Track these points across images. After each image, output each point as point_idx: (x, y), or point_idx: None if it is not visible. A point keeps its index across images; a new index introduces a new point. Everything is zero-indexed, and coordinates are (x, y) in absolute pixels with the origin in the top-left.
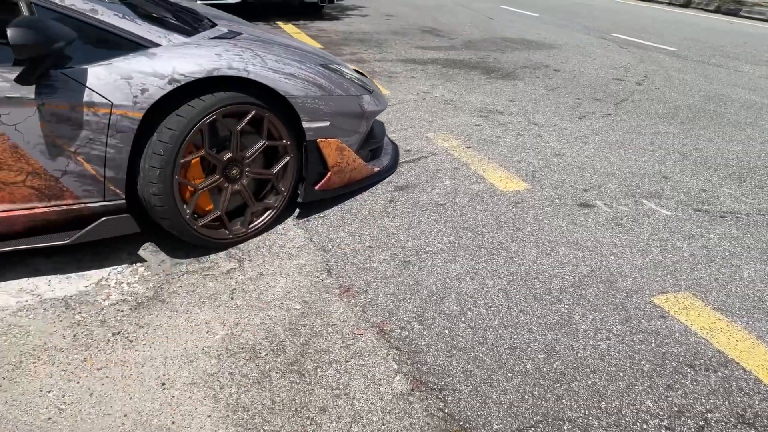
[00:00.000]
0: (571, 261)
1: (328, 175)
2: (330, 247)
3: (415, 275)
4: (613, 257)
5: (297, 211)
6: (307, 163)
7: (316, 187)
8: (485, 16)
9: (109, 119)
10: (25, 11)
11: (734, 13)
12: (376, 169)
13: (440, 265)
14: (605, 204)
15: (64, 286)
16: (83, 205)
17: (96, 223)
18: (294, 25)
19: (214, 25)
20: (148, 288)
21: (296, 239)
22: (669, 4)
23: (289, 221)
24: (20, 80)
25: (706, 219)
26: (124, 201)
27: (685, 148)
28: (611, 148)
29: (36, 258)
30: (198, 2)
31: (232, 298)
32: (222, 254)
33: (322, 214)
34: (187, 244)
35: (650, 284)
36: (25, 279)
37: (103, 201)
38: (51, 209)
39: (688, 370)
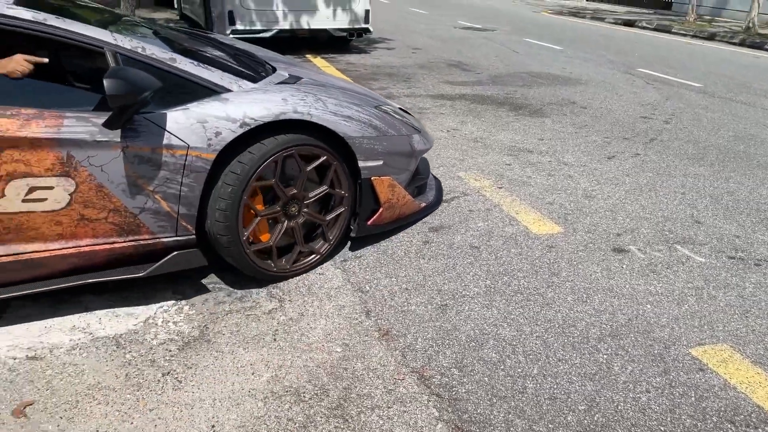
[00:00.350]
0: (608, 309)
1: (380, 210)
2: (367, 288)
3: (452, 320)
4: (649, 306)
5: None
6: (361, 200)
7: (369, 223)
8: (509, 49)
9: (185, 160)
10: (111, 61)
11: (759, 47)
12: (423, 204)
13: (477, 310)
14: (639, 249)
15: (113, 325)
16: (157, 240)
17: (169, 256)
18: (323, 58)
19: (274, 69)
20: (193, 327)
21: (334, 279)
22: (693, 36)
23: (327, 261)
24: (108, 125)
25: (740, 267)
26: (194, 236)
27: (716, 191)
28: (642, 190)
29: (86, 295)
30: (230, 35)
31: (275, 340)
32: (263, 293)
33: (358, 254)
34: (229, 283)
35: (687, 335)
36: (77, 316)
37: (176, 236)
38: (129, 244)
39: (729, 426)
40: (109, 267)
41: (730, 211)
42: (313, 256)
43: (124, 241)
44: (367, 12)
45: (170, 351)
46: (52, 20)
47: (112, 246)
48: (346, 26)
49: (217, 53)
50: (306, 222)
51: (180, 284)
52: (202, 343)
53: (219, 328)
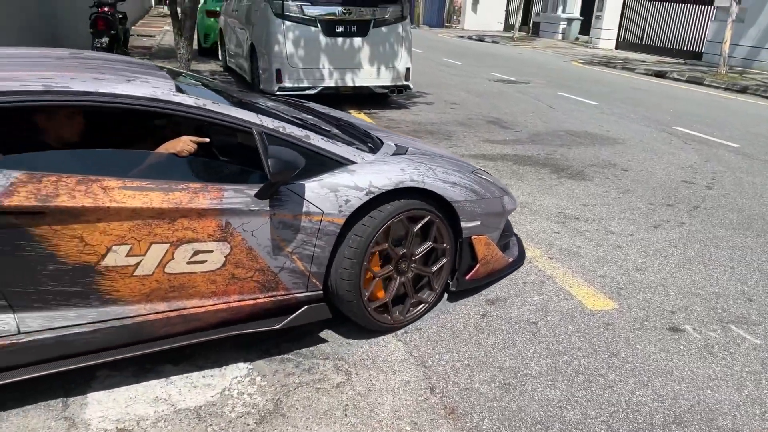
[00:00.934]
0: (669, 394)
1: (477, 267)
2: (430, 363)
3: (516, 400)
4: (709, 391)
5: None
6: (461, 257)
7: (467, 278)
8: (546, 105)
9: (320, 225)
10: (258, 140)
11: None
12: (510, 259)
13: (540, 390)
14: (694, 329)
15: (193, 396)
16: (291, 295)
17: (301, 310)
18: (366, 114)
19: (381, 141)
20: (267, 400)
21: (397, 352)
22: (725, 89)
23: (388, 334)
24: (260, 196)
25: None
26: (321, 291)
27: (765, 265)
28: (691, 263)
29: (164, 364)
30: (278, 92)
31: (345, 415)
32: (330, 366)
33: (419, 327)
34: (295, 353)
35: (750, 423)
36: (158, 386)
37: (306, 291)
38: (268, 299)
39: None
40: (250, 320)
41: None
42: (422, 305)
43: (265, 297)
44: (408, 70)
45: (248, 425)
46: (210, 105)
47: (255, 301)
48: (388, 83)
49: (332, 126)
50: (414, 275)
51: (249, 353)
52: (277, 417)
53: (292, 402)
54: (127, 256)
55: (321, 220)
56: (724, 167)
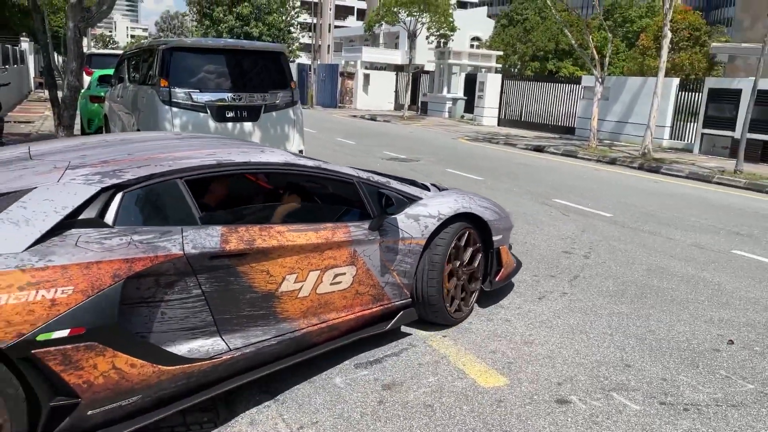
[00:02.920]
0: None
1: (502, 270)
2: None
3: None
4: None
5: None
6: (492, 264)
7: (497, 279)
8: (436, 182)
9: (410, 246)
10: (359, 189)
11: (656, 170)
12: (515, 265)
13: None
14: (580, 399)
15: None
16: (392, 304)
17: (400, 314)
18: None
19: (424, 185)
20: None
21: None
22: (597, 161)
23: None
24: (372, 228)
25: (671, 413)
26: (410, 299)
27: (640, 330)
28: (574, 332)
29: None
30: None
31: None
32: None
33: (315, 421)
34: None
35: None
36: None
37: (401, 300)
38: (378, 308)
39: None
40: (367, 326)
41: (654, 351)
42: (474, 293)
43: (376, 306)
44: (300, 152)
45: None
46: (323, 165)
47: (370, 310)
48: None
49: (393, 177)
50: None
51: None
52: None
53: None
54: (294, 282)
55: (410, 243)
56: (599, 236)
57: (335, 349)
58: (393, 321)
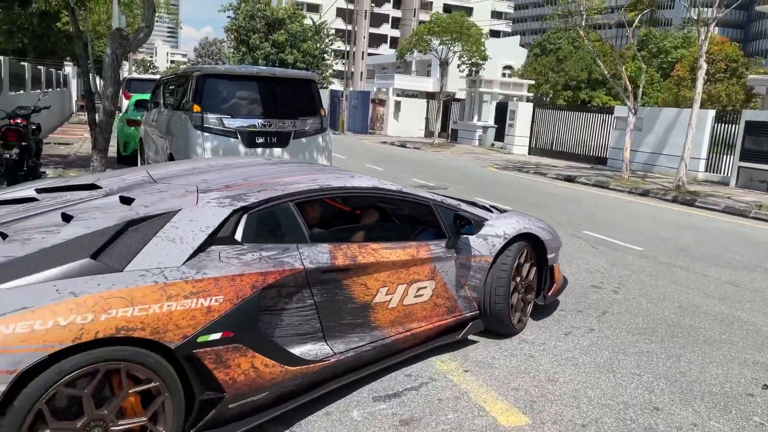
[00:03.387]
0: None
1: (555, 285)
2: None
3: None
4: None
5: None
6: (545, 280)
7: (549, 293)
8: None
9: (479, 263)
10: (435, 210)
11: (690, 203)
12: (562, 280)
13: None
14: None
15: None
16: (463, 316)
17: (470, 324)
18: None
19: (485, 206)
20: None
21: None
22: (629, 192)
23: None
24: (449, 246)
25: None
26: (478, 311)
27: (669, 371)
28: (600, 371)
29: None
30: None
31: None
32: None
33: None
34: None
35: None
36: None
37: (470, 312)
38: (452, 319)
39: None
40: (442, 335)
41: (684, 394)
42: (530, 305)
43: (450, 317)
44: None
45: None
46: (404, 189)
47: (446, 321)
48: None
49: (457, 199)
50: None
51: None
52: None
53: None
54: (385, 294)
55: (480, 260)
56: (629, 271)
57: (353, 381)
58: (463, 331)
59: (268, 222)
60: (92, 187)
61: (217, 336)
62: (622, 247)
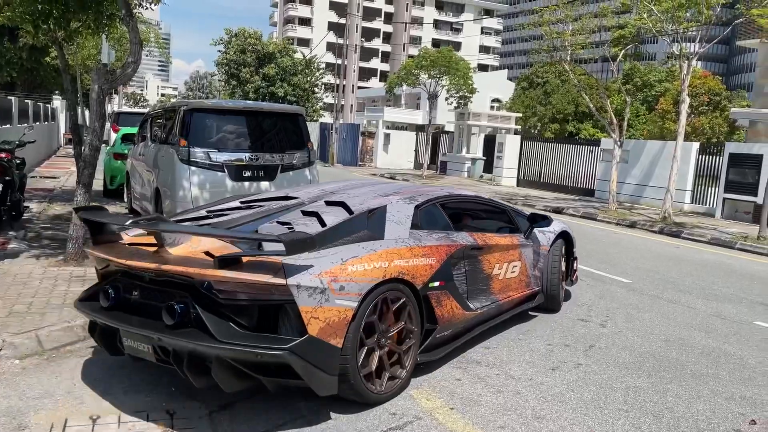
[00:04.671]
0: None
1: (575, 272)
2: None
3: None
4: None
5: None
6: (573, 269)
7: (573, 278)
8: None
9: (542, 251)
10: (509, 214)
11: (677, 235)
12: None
13: None
14: None
15: None
16: (533, 290)
17: (536, 297)
18: None
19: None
20: None
21: None
22: (617, 224)
23: None
24: (527, 236)
25: None
26: (540, 288)
27: (657, 407)
28: (588, 407)
29: None
30: None
31: None
32: None
33: None
34: None
35: None
36: None
37: (536, 287)
38: (528, 292)
39: None
40: (522, 303)
41: (672, 430)
42: (563, 288)
43: (527, 290)
44: None
45: None
46: (486, 197)
47: (525, 293)
48: None
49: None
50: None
51: None
52: None
53: None
54: (497, 269)
55: (542, 248)
56: (616, 303)
57: (335, 422)
58: (534, 301)
59: (431, 215)
60: (286, 198)
61: (436, 284)
62: (610, 280)
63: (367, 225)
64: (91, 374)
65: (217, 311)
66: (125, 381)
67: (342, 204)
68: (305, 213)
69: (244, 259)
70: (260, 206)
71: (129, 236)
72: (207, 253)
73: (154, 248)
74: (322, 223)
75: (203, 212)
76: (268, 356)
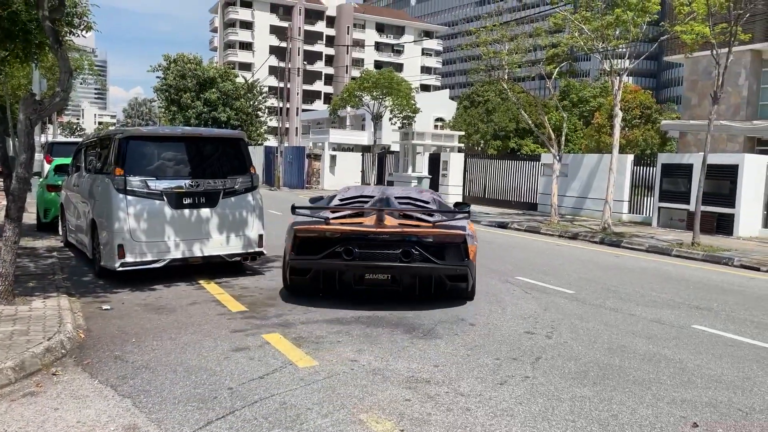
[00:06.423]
0: None
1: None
2: None
3: None
4: None
5: None
6: None
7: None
8: None
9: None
10: (439, 203)
11: (617, 245)
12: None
13: None
14: None
15: None
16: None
17: None
18: (216, 284)
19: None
20: None
21: None
22: (559, 236)
23: None
24: (448, 219)
25: None
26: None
27: (602, 415)
28: (536, 420)
29: None
30: (120, 269)
31: None
32: None
33: None
34: None
35: None
36: None
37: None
38: None
39: None
40: None
41: None
42: None
43: None
44: (260, 236)
45: None
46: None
47: None
48: (240, 251)
49: None
50: None
51: None
52: None
53: None
54: None
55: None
56: (561, 315)
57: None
58: None
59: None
60: (363, 197)
61: (473, 242)
62: (554, 291)
63: (448, 210)
64: (21, 417)
65: (431, 251)
66: (59, 424)
67: (417, 198)
68: (411, 200)
69: (441, 223)
70: (370, 197)
71: (333, 218)
72: (415, 221)
73: (371, 222)
74: (435, 205)
75: (337, 201)
76: (459, 269)
